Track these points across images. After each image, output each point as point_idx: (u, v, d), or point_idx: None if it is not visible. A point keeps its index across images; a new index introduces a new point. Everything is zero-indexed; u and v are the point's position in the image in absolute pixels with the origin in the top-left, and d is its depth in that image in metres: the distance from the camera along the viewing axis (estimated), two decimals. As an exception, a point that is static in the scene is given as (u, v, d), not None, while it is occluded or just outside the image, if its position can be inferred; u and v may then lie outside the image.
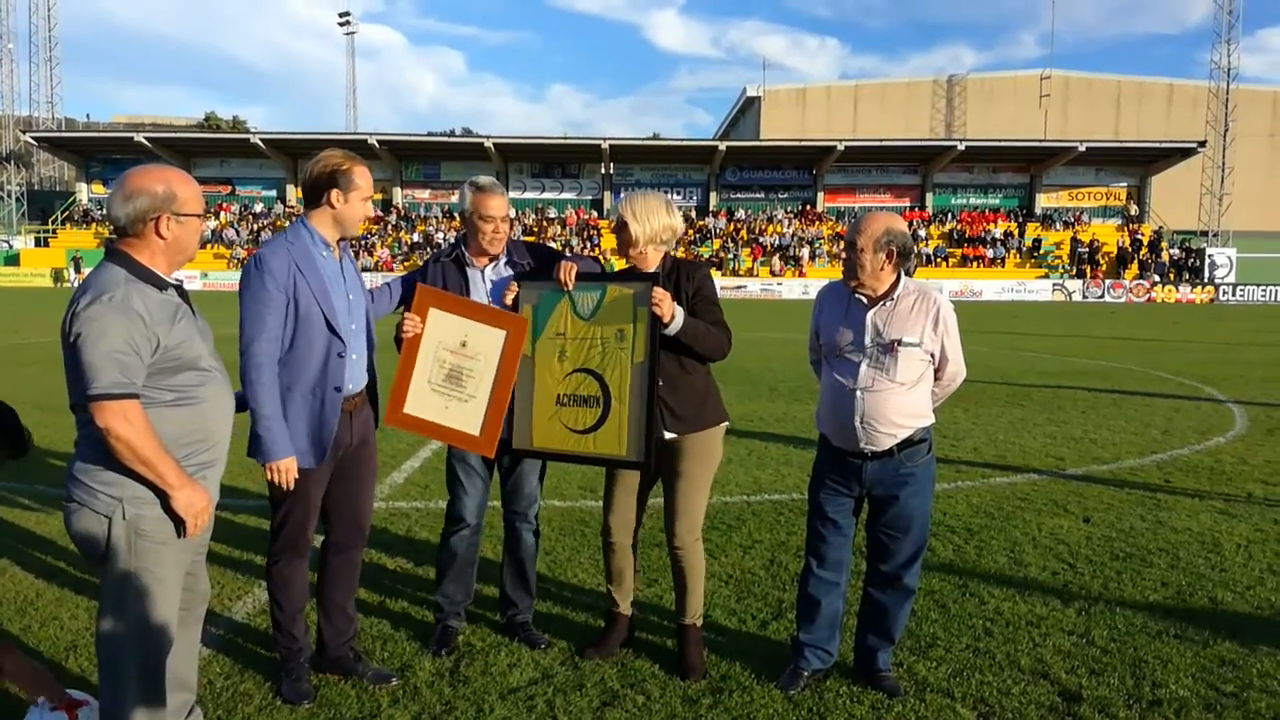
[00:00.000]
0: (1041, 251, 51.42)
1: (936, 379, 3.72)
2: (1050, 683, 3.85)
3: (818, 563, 3.83)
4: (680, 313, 3.74)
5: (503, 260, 4.15)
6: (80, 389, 2.66)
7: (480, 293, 4.07)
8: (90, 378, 2.62)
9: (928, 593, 4.84)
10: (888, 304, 3.62)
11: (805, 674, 3.82)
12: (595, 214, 56.22)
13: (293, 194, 56.41)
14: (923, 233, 52.62)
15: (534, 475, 4.28)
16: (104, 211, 53.35)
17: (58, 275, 48.99)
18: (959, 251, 51.54)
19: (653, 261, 3.94)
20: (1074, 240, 51.25)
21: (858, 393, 3.59)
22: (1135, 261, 49.35)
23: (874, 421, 3.58)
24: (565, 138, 59.28)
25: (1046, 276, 49.38)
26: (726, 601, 4.74)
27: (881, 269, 3.59)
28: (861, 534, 3.91)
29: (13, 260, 51.59)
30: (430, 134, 64.02)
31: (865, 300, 3.65)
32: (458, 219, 4.19)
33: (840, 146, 52.75)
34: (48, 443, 8.42)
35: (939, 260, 50.71)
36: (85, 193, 57.37)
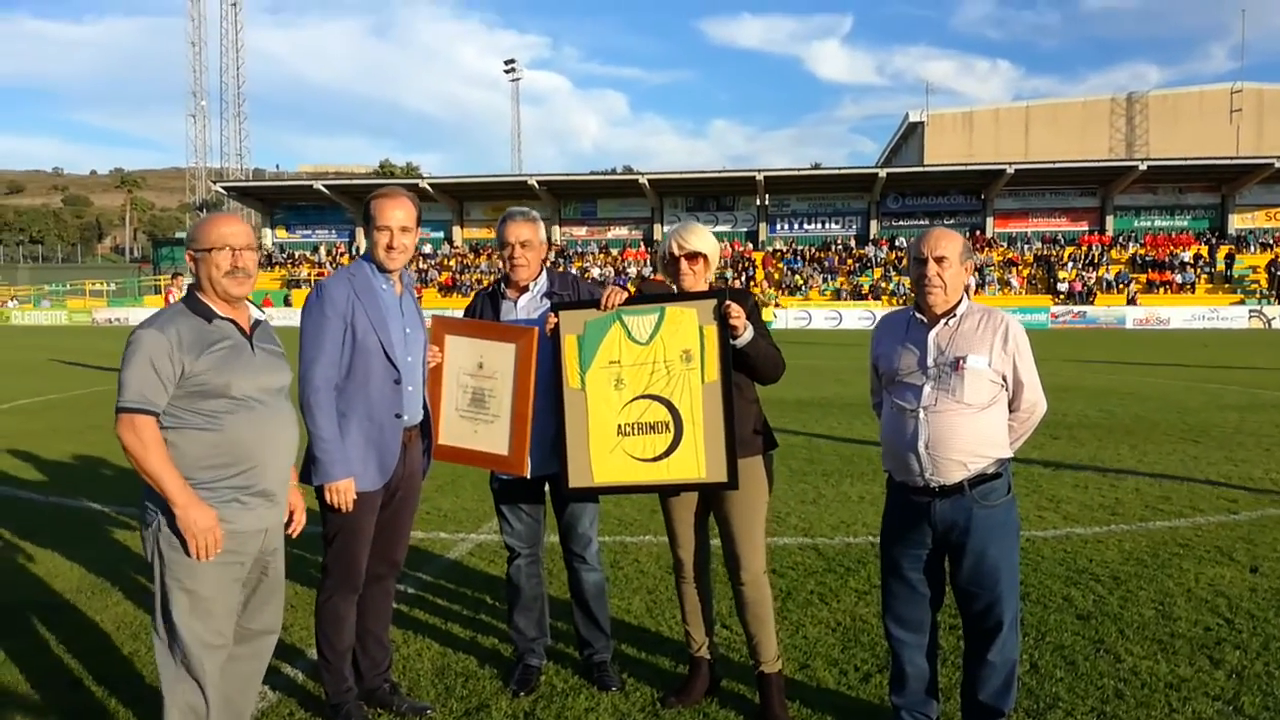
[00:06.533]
0: (1236, 276, 47.79)
1: (1012, 410, 3.36)
2: (1186, 757, 3.38)
3: (895, 623, 3.50)
4: (750, 325, 3.58)
5: (539, 291, 4.04)
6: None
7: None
8: (119, 392, 2.91)
9: (1056, 648, 4.39)
10: (950, 322, 3.34)
11: (901, 736, 3.48)
12: (750, 246, 56.02)
13: (459, 235, 58.70)
14: (1104, 257, 49.92)
15: (586, 516, 4.10)
16: (286, 255, 57.00)
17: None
18: (1144, 277, 48.56)
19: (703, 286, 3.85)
20: (1272, 263, 47.39)
21: (920, 414, 3.29)
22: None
23: (939, 449, 3.25)
24: (720, 171, 59.43)
25: (1243, 302, 45.78)
26: (830, 650, 4.42)
27: (962, 284, 3.34)
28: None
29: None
30: (592, 173, 65.46)
31: (925, 321, 3.37)
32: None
33: (1010, 169, 50.80)
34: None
35: (1121, 286, 47.90)
36: (270, 237, 61.39)
